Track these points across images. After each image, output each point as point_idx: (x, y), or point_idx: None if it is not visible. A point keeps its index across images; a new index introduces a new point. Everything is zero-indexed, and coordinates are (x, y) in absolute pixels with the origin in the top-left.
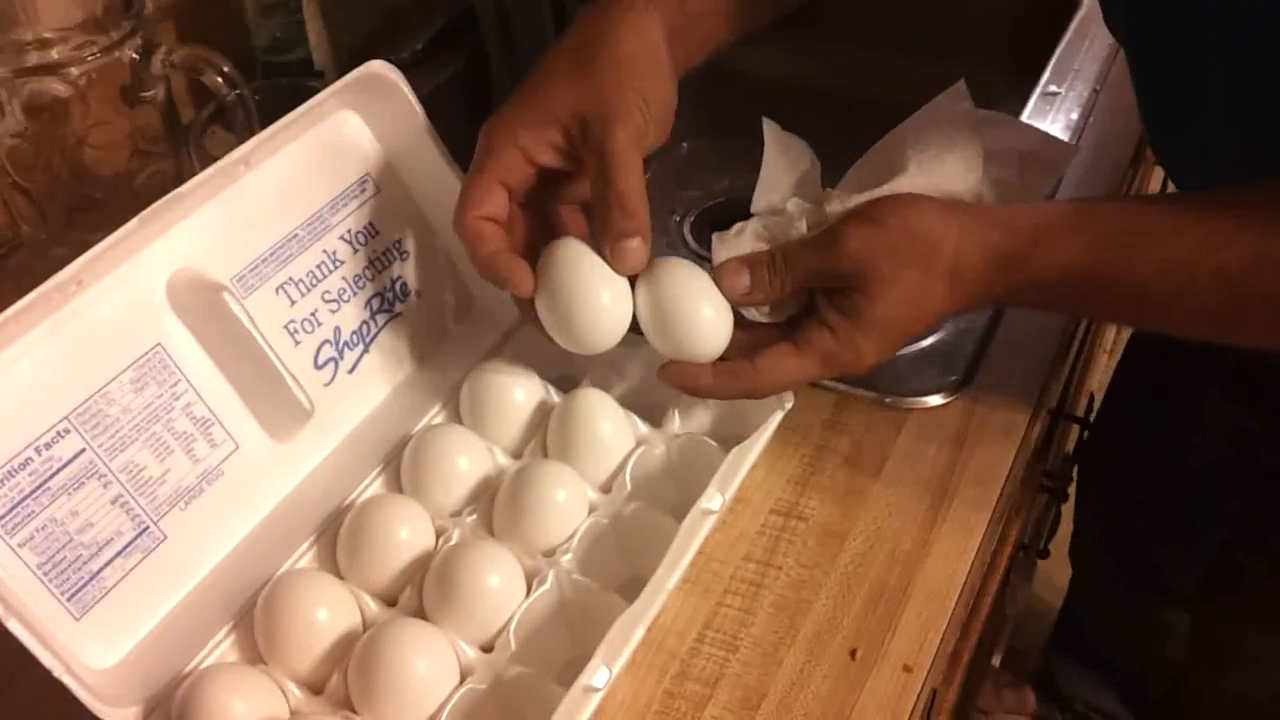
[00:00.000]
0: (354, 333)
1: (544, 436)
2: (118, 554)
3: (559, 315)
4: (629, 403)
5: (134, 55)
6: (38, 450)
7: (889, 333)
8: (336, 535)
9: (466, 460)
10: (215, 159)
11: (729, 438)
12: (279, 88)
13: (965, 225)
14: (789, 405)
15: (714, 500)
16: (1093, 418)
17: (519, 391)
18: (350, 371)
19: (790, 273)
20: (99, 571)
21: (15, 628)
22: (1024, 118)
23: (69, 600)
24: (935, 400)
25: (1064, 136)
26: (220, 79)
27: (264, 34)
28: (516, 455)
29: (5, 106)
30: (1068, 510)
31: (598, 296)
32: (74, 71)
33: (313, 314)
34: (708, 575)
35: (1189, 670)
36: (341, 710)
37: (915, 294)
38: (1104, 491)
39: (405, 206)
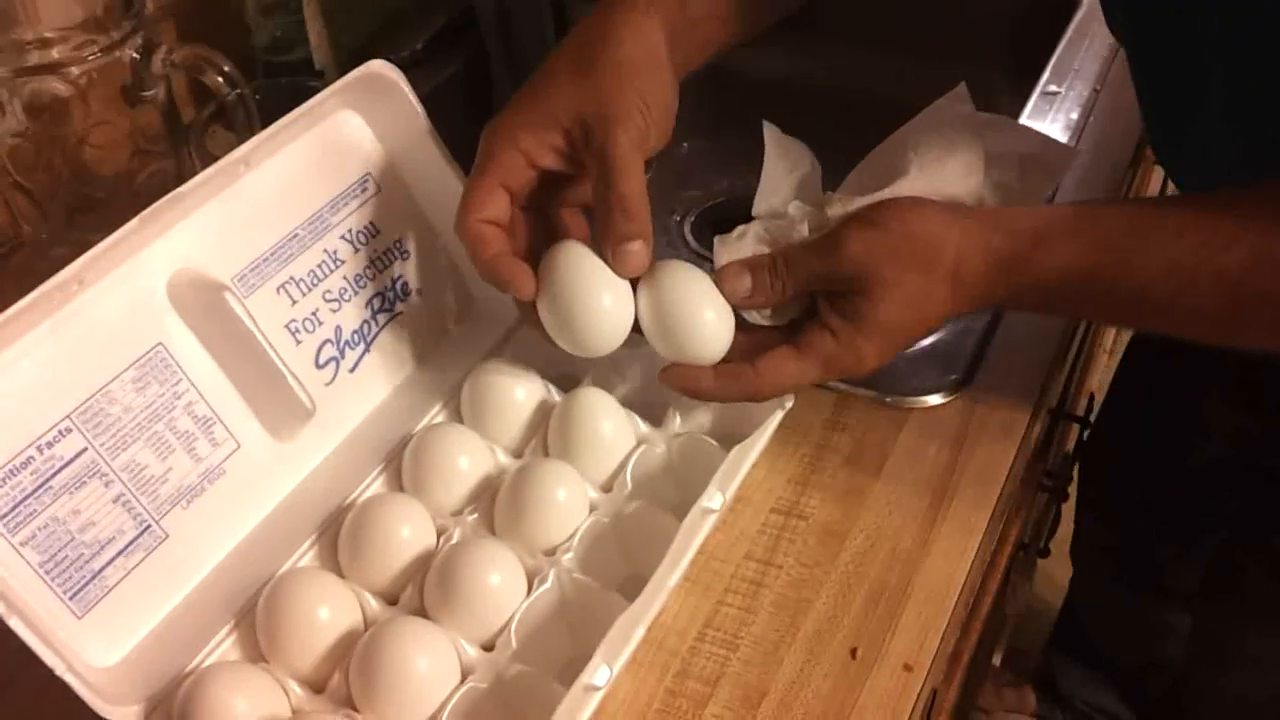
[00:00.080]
0: (355, 332)
1: (545, 436)
2: (119, 553)
3: (560, 318)
4: (630, 402)
5: (134, 55)
6: (39, 449)
7: (890, 336)
8: (338, 534)
9: (467, 459)
10: (216, 158)
11: (730, 437)
12: (279, 87)
13: (966, 228)
14: (789, 405)
15: (715, 499)
16: (1093, 417)
17: (520, 391)
18: (351, 371)
19: (791, 276)
20: (101, 570)
21: (17, 626)
22: (1024, 117)
23: (71, 599)
24: (936, 399)
25: (1064, 136)
26: (221, 78)
27: (264, 33)
28: (517, 454)
29: (6, 106)
30: (1068, 509)
31: (599, 299)
32: (75, 71)
33: (314, 313)
34: (708, 574)
35: (1189, 670)
36: (343, 709)
37: (916, 297)
38: (1105, 492)
39: (406, 206)
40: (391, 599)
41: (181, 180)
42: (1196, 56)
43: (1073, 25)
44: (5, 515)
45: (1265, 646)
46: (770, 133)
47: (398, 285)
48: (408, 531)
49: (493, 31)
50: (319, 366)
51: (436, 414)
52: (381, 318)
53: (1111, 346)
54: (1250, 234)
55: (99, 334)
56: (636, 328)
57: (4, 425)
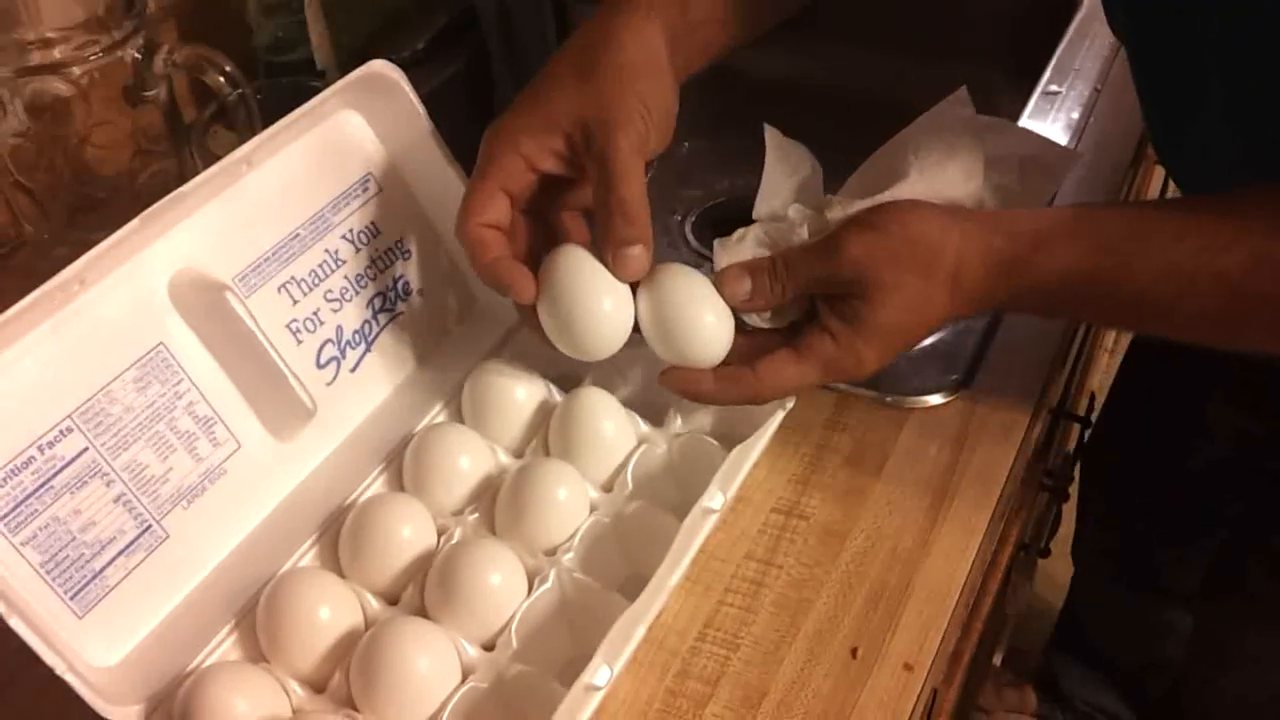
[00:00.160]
0: (356, 332)
1: (545, 435)
2: (120, 553)
3: (560, 322)
4: (631, 402)
5: (136, 55)
6: (40, 449)
7: (890, 339)
8: (338, 534)
9: (468, 459)
10: (217, 158)
11: (730, 437)
12: (281, 87)
13: (966, 231)
14: (790, 405)
15: (715, 499)
16: (1094, 417)
17: (520, 390)
18: (352, 371)
19: (791, 279)
20: (101, 570)
21: (18, 626)
22: (1025, 117)
23: (71, 599)
24: (936, 399)
25: (1065, 136)
26: (222, 78)
27: (266, 33)
28: (518, 454)
29: (8, 106)
30: (1069, 509)
31: (599, 303)
32: (76, 71)
33: (315, 313)
34: (709, 574)
35: (1189, 670)
36: (343, 709)
37: (916, 300)
38: (1105, 493)
39: (407, 206)
40: (392, 599)
41: (183, 180)
42: (1197, 56)
43: (1073, 25)
44: (6, 515)
45: (1266, 647)
46: (771, 136)
47: (399, 285)
48: (408, 531)
49: (494, 31)
50: (320, 366)
51: (437, 414)
52: (382, 318)
53: (1112, 346)
54: (1250, 237)
55: (100, 334)
56: (636, 329)
57: (5, 425)
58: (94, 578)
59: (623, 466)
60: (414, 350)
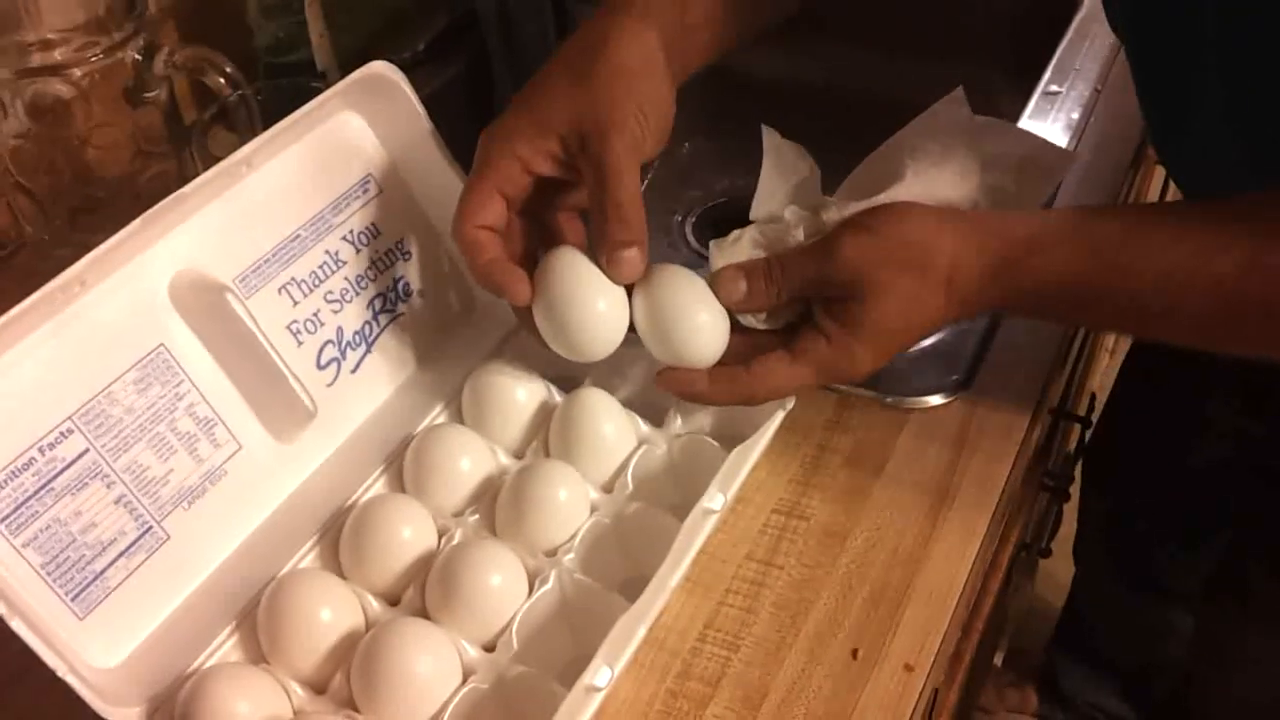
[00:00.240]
0: (356, 333)
1: (546, 436)
2: (121, 554)
3: (556, 324)
4: (631, 402)
5: (137, 56)
6: (41, 450)
7: (885, 341)
8: (339, 535)
9: (469, 460)
10: (218, 160)
11: (730, 437)
12: (281, 88)
13: (961, 234)
14: (790, 405)
15: (715, 500)
16: (1094, 417)
17: (521, 391)
18: (353, 372)
19: (787, 281)
20: (102, 571)
21: (19, 627)
22: (1025, 118)
23: (72, 600)
24: (936, 400)
25: (1065, 136)
26: (222, 80)
27: (266, 35)
28: (518, 455)
29: (8, 107)
30: (1070, 509)
31: (594, 305)
32: (77, 72)
33: (315, 314)
34: (709, 575)
35: (1191, 671)
36: (344, 710)
37: (911, 303)
38: (1106, 493)
39: (407, 207)
40: (393, 600)
41: (183, 181)
42: (1196, 55)
43: (1074, 25)
44: (7, 517)
45: (1267, 648)
46: (769, 137)
47: (399, 286)
48: (409, 532)
49: (494, 32)
50: (320, 367)
51: (438, 415)
52: (383, 318)
53: (1113, 347)
54: (1245, 242)
55: (101, 335)
56: (633, 330)
57: (6, 426)
58: (95, 579)
59: (623, 467)
60: (414, 351)
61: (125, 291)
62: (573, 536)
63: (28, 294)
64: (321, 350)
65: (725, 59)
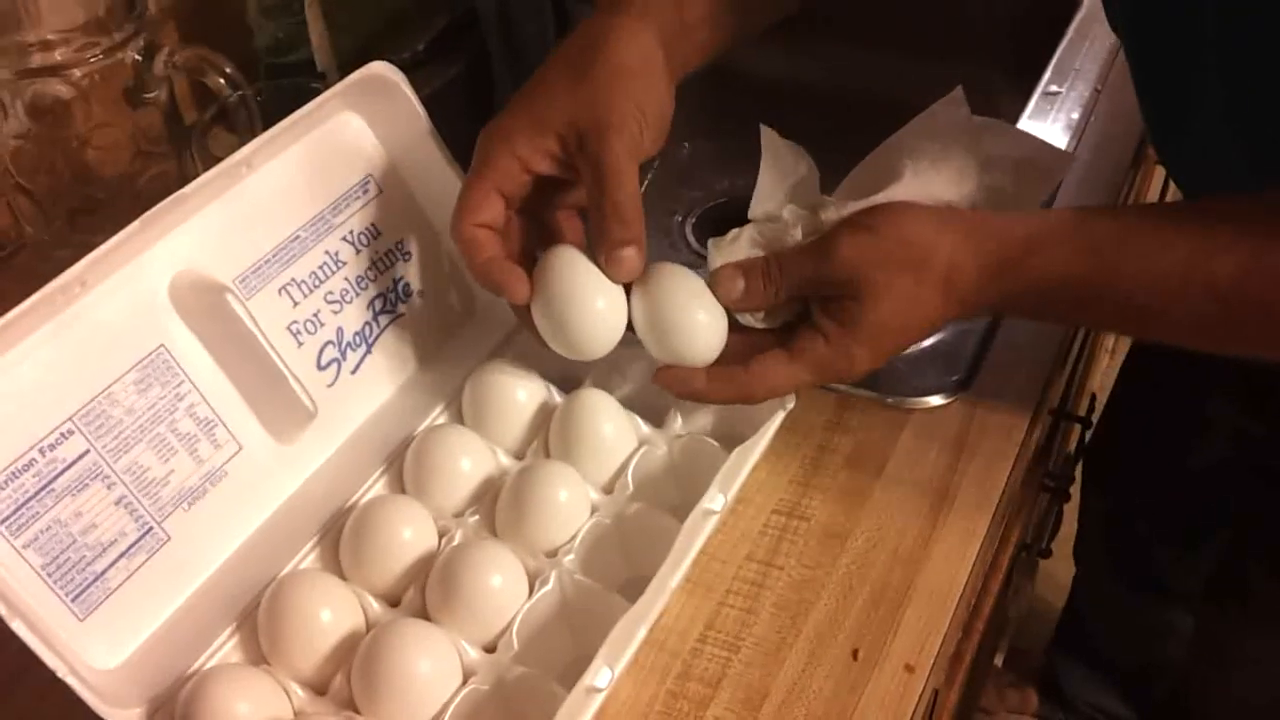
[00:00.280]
0: (356, 333)
1: (546, 437)
2: (121, 555)
3: (554, 322)
4: (631, 403)
5: (137, 57)
6: (42, 451)
7: (882, 340)
8: (339, 536)
9: (469, 461)
10: (218, 160)
11: (731, 438)
12: (281, 89)
13: (959, 233)
14: (790, 405)
15: (716, 500)
16: (1094, 418)
17: (521, 392)
18: (353, 372)
19: (785, 280)
20: (103, 573)
21: (19, 628)
22: (1025, 118)
23: (73, 601)
24: (937, 400)
25: (1065, 137)
26: (222, 80)
27: (266, 35)
28: (519, 456)
29: (8, 108)
30: (1070, 509)
31: (593, 303)
32: (77, 73)
33: (315, 315)
34: (710, 575)
35: (1191, 671)
36: (345, 711)
37: (908, 302)
38: (1107, 494)
39: (407, 207)
40: (393, 601)
41: (183, 182)
42: (1196, 56)
43: (1073, 26)
44: (7, 518)
45: (1267, 648)
46: (767, 137)
47: (399, 286)
48: (409, 533)
49: (494, 32)
50: (320, 368)
51: (438, 415)
52: (383, 319)
53: (1113, 347)
54: (1242, 244)
55: (101, 336)
56: (631, 330)
57: (6, 427)
58: (95, 580)
59: (623, 468)
60: (415, 352)
61: (125, 292)
62: (573, 537)
63: (28, 295)
64: (322, 351)
65: (725, 59)
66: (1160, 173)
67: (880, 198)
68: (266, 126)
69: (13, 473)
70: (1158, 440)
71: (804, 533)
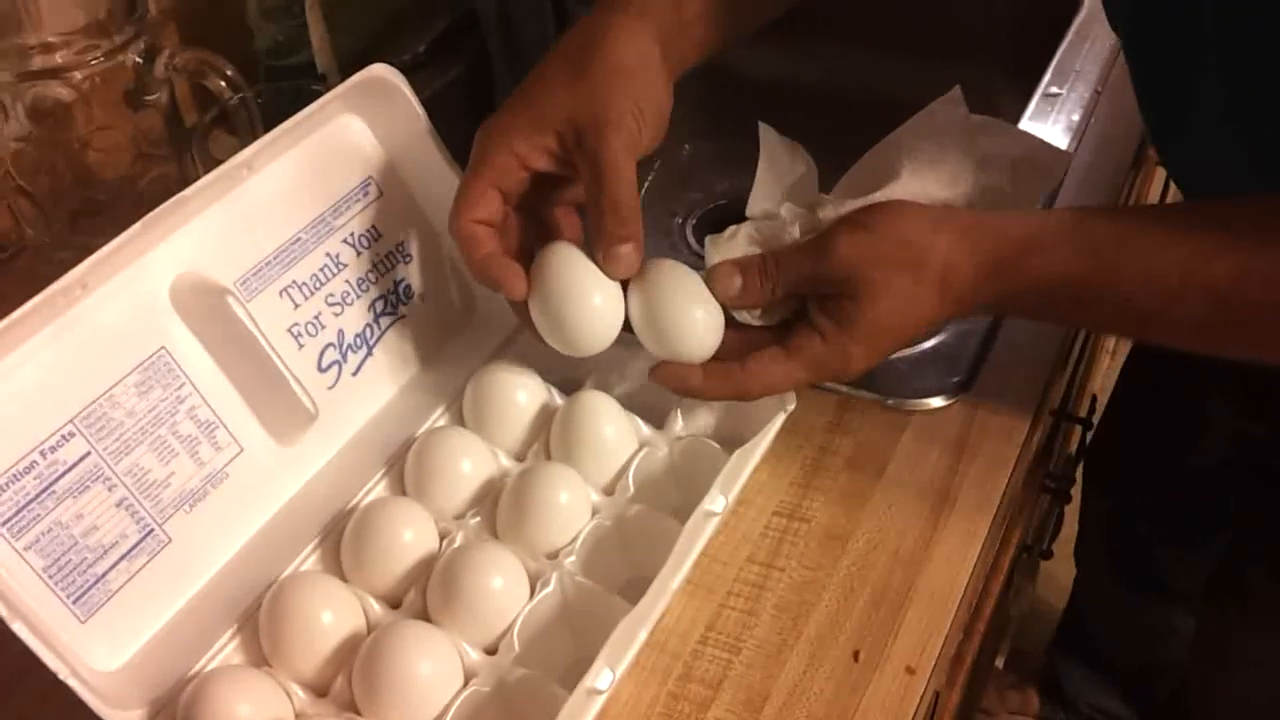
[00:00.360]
0: (357, 335)
1: (547, 439)
2: (123, 557)
3: (551, 318)
4: (632, 405)
5: (137, 59)
6: (43, 454)
7: (878, 339)
8: (340, 538)
9: (470, 463)
10: (219, 162)
11: (732, 439)
12: (282, 91)
13: (956, 233)
14: (791, 407)
15: (717, 502)
16: (1095, 419)
17: (522, 394)
18: (354, 374)
19: (782, 277)
20: (104, 574)
21: (20, 630)
22: (1025, 119)
23: (74, 603)
24: (937, 402)
25: (1065, 138)
26: (223, 83)
27: (266, 37)
28: (520, 458)
29: (9, 110)
30: (1071, 510)
31: (589, 300)
32: (78, 75)
33: (316, 317)
34: (710, 577)
35: (1192, 672)
36: (345, 713)
37: (905, 301)
38: (1107, 495)
39: (408, 209)
40: (394, 602)
41: (184, 184)
42: (1196, 56)
43: (1074, 27)
44: (9, 520)
45: (1268, 649)
46: (766, 134)
47: (400, 288)
48: (410, 535)
49: (494, 33)
50: (321, 370)
51: (439, 417)
52: (384, 321)
53: (1114, 348)
54: (1239, 247)
55: (102, 338)
56: (629, 328)
57: (7, 429)
58: (96, 582)
59: (624, 469)
60: (416, 354)
61: (126, 294)
62: (574, 539)
63: (29, 297)
64: (322, 353)
65: (725, 60)
66: (1160, 174)
67: (878, 196)
68: (267, 129)
69: (14, 475)
70: (1158, 441)
71: (805, 534)
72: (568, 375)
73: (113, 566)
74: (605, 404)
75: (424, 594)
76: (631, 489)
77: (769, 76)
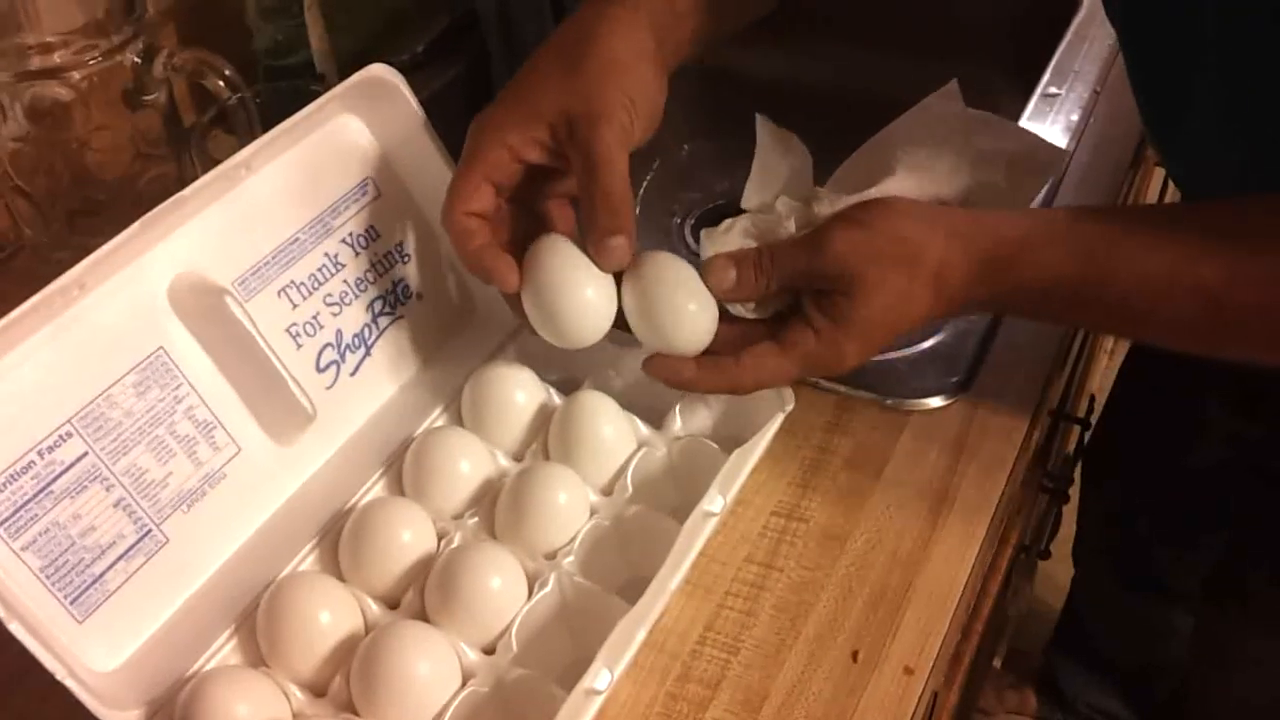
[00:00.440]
0: (356, 335)
1: (545, 439)
2: (120, 557)
3: (544, 310)
4: (630, 405)
5: (136, 59)
6: (40, 454)
7: (871, 336)
8: (338, 538)
9: (468, 463)
10: (217, 162)
11: (730, 439)
12: (280, 91)
13: (951, 231)
14: (790, 407)
15: (715, 502)
16: (1094, 419)
17: (520, 394)
18: (352, 374)
19: (776, 271)
20: (102, 575)
21: (18, 631)
22: (1024, 119)
23: (72, 603)
24: (936, 402)
25: (1064, 138)
26: (222, 82)
27: (265, 37)
28: (518, 458)
29: (7, 110)
30: (1069, 510)
31: (582, 292)
32: (76, 75)
33: (314, 317)
34: (709, 577)
35: (1191, 672)
36: (343, 713)
37: (899, 299)
38: (1106, 494)
39: (406, 209)
40: (392, 603)
41: (183, 184)
42: (1195, 55)
43: (1073, 27)
44: (6, 520)
45: (1267, 649)
46: (763, 125)
47: (398, 289)
48: (408, 535)
49: (494, 33)
50: (320, 370)
51: (437, 417)
52: (382, 321)
53: (1112, 348)
54: (1230, 248)
55: (100, 338)
56: (625, 325)
57: (5, 429)
58: (94, 582)
59: (622, 470)
60: (414, 354)
61: (124, 294)
62: (572, 539)
63: (27, 297)
64: (321, 353)
65: (725, 60)
66: (1160, 174)
67: (873, 192)
68: (266, 129)
69: (11, 475)
70: (1157, 441)
71: (803, 534)
72: (566, 375)
73: (110, 567)
74: (604, 404)
75: (422, 594)
76: (630, 489)
77: (769, 76)
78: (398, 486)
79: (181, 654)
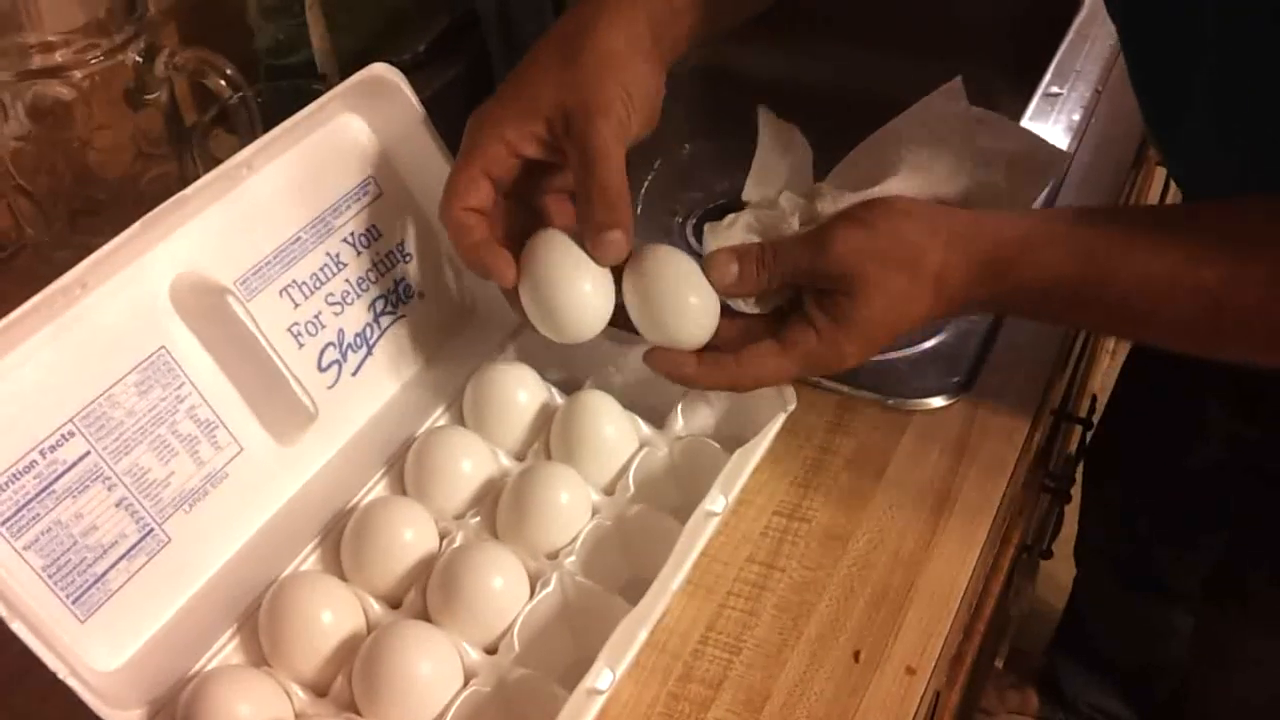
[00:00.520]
0: (357, 335)
1: (547, 438)
2: (122, 557)
3: (541, 305)
4: (632, 404)
5: (137, 58)
6: (42, 453)
7: (872, 336)
8: (340, 538)
9: (470, 462)
10: (219, 162)
11: (732, 439)
12: (281, 90)
13: (952, 232)
14: (791, 407)
15: (717, 502)
16: (1095, 419)
17: (522, 393)
18: (354, 374)
19: (779, 268)
20: (104, 574)
21: (20, 630)
22: (1026, 119)
23: (74, 603)
24: (938, 402)
25: (1066, 138)
26: (223, 82)
27: (266, 36)
28: (520, 457)
29: (9, 109)
30: (1071, 510)
31: (579, 287)
32: (77, 74)
33: (316, 316)
34: (711, 577)
35: (1191, 672)
36: (345, 713)
37: (900, 300)
38: (1107, 494)
39: (408, 208)
40: (394, 602)
41: (184, 184)
42: (1194, 55)
43: (1074, 27)
44: (8, 519)
45: (1267, 649)
46: (765, 117)
47: (400, 288)
48: (410, 535)
49: (494, 32)
50: (321, 370)
51: (439, 417)
52: (384, 320)
53: (1114, 348)
54: (1231, 251)
55: (102, 338)
56: (625, 324)
57: (7, 429)
58: (96, 582)
59: (624, 469)
60: (416, 353)
61: (126, 294)
62: (574, 539)
63: (28, 297)
64: (322, 352)
65: (725, 60)
66: (1161, 173)
67: (876, 191)
68: (267, 128)
69: (13, 474)
70: (1158, 441)
71: (805, 534)
72: (568, 375)
73: (112, 566)
74: (605, 404)
75: (424, 594)
76: (632, 489)
77: (769, 76)
78: (400, 486)
79: (183, 653)
